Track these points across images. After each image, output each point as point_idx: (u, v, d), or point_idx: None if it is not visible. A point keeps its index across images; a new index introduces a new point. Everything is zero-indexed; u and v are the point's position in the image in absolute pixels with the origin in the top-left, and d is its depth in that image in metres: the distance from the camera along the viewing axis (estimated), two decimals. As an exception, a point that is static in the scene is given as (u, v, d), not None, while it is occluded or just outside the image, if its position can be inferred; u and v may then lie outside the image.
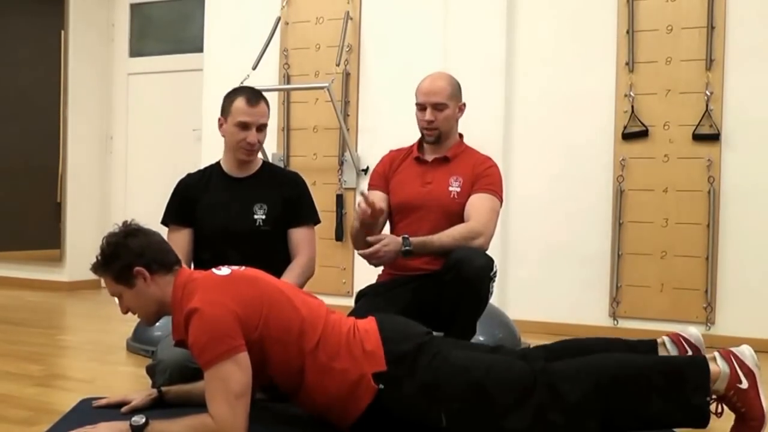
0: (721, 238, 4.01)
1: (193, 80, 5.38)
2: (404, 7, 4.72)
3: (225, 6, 5.17)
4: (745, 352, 1.95)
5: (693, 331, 2.19)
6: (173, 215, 2.79)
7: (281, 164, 4.79)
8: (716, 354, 1.95)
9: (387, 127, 4.55)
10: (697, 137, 4.03)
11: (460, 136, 2.88)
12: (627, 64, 4.18)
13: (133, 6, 6.15)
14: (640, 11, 4.18)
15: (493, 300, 2.82)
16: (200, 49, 5.32)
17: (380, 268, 2.84)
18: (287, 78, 4.95)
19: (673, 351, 2.14)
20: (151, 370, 2.53)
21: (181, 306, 1.97)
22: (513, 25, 4.43)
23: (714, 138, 4.00)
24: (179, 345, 2.04)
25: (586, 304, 4.26)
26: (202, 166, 2.97)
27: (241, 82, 4.12)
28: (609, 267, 4.21)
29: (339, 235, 4.75)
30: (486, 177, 2.74)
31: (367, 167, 4.60)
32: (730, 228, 4.00)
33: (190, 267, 2.66)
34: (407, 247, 2.51)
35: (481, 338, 3.08)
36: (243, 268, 2.09)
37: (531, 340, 3.64)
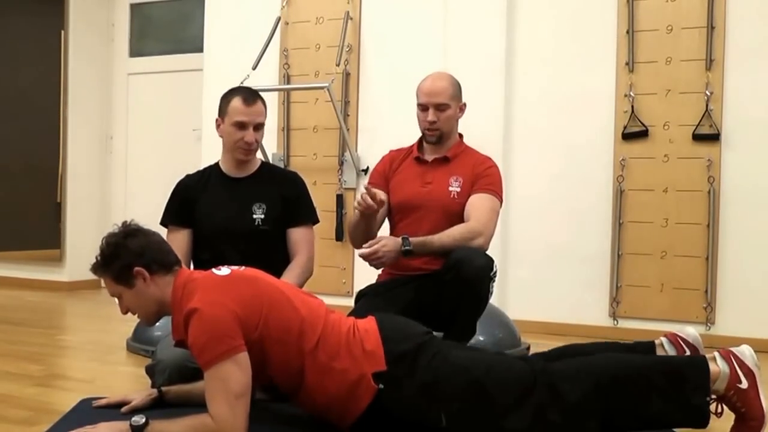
0: (721, 238, 4.01)
1: (193, 80, 5.37)
2: (404, 7, 4.72)
3: (225, 6, 5.17)
4: (745, 352, 1.96)
5: (690, 331, 2.19)
6: (172, 216, 2.79)
7: (281, 164, 4.79)
8: (716, 354, 1.96)
9: (387, 127, 4.55)
10: (697, 137, 4.03)
11: (460, 136, 2.88)
12: (627, 64, 4.18)
13: (133, 6, 6.15)
14: (640, 11, 4.17)
15: (493, 300, 2.82)
16: (200, 49, 5.32)
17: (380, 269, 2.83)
18: (287, 78, 4.95)
19: (671, 351, 2.15)
20: (150, 370, 2.53)
21: (180, 306, 1.97)
22: (513, 24, 4.43)
23: (714, 138, 4.00)
24: (179, 345, 2.04)
25: (586, 304, 4.26)
26: (202, 167, 2.97)
27: (241, 82, 4.12)
28: (609, 267, 4.21)
29: (339, 235, 4.75)
30: (486, 177, 2.74)
31: (367, 167, 4.59)
32: (730, 228, 4.00)
33: (189, 267, 2.66)
34: (407, 247, 2.51)
35: (481, 338, 3.08)
36: (243, 268, 2.09)
37: (531, 340, 3.65)
